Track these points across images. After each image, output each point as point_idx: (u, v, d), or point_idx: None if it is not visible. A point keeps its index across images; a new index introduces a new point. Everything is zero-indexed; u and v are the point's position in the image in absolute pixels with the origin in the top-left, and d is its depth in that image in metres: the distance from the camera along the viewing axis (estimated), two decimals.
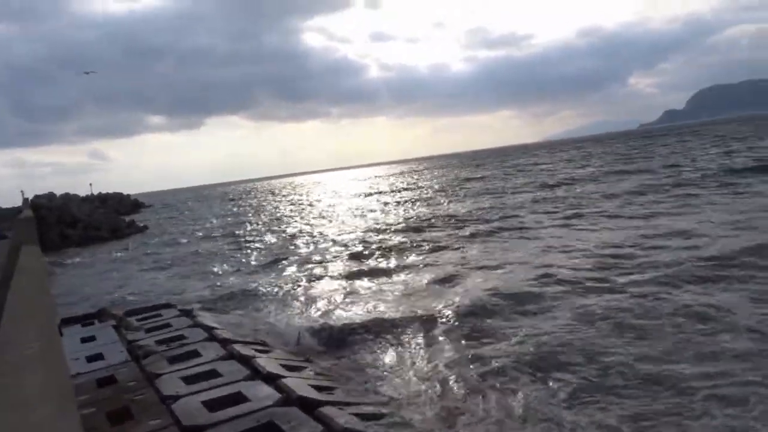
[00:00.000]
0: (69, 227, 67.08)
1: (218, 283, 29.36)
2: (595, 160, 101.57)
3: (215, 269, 34.62)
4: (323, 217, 61.68)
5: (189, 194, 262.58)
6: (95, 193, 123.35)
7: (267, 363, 13.79)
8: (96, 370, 13.69)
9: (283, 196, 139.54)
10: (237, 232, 57.58)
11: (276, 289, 25.48)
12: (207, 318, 19.12)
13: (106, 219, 75.70)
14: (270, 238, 48.13)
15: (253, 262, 35.34)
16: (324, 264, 30.50)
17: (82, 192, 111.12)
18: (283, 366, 14.03)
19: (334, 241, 39.76)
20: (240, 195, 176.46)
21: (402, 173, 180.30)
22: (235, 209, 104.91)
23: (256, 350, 15.47)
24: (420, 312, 18.48)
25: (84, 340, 16.74)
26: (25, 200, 69.28)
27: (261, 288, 26.15)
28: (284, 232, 51.98)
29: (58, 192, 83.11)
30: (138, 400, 11.56)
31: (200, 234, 61.45)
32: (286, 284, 26.28)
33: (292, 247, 39.98)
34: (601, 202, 42.85)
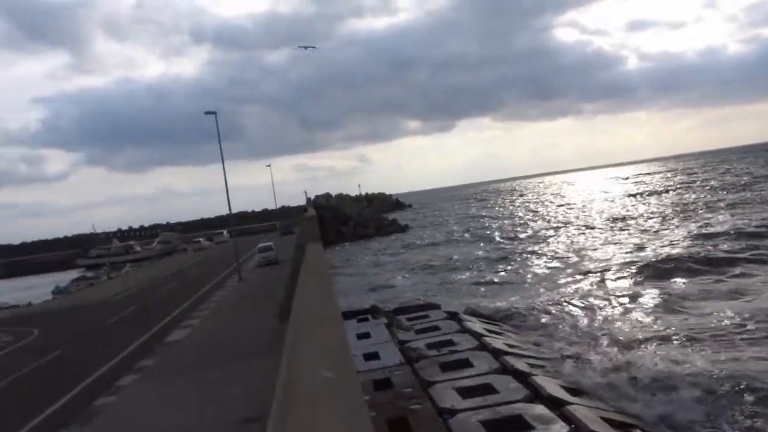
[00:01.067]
0: (342, 224, 74.15)
1: (480, 287, 28.74)
2: None
3: (471, 273, 34.22)
4: (590, 227, 57.44)
5: (443, 195, 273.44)
6: (363, 193, 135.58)
7: (547, 384, 12.33)
8: (373, 370, 13.77)
9: (540, 198, 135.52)
10: (493, 235, 56.91)
11: (551, 303, 23.60)
12: (475, 324, 18.36)
13: (372, 217, 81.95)
14: (536, 247, 46.29)
15: (512, 268, 34.09)
16: (609, 279, 27.10)
17: (352, 192, 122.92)
18: (566, 389, 12.42)
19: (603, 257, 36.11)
20: (488, 196, 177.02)
21: (669, 171, 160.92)
22: (484, 212, 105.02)
23: (530, 364, 14.12)
24: None
25: (360, 337, 17.29)
26: (308, 200, 78.63)
27: (533, 300, 24.62)
28: (548, 237, 49.64)
29: (333, 192, 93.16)
30: (415, 410, 11.09)
31: (457, 236, 62.32)
32: (565, 299, 24.11)
33: (569, 256, 37.55)
34: None
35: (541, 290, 25.73)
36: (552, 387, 12.23)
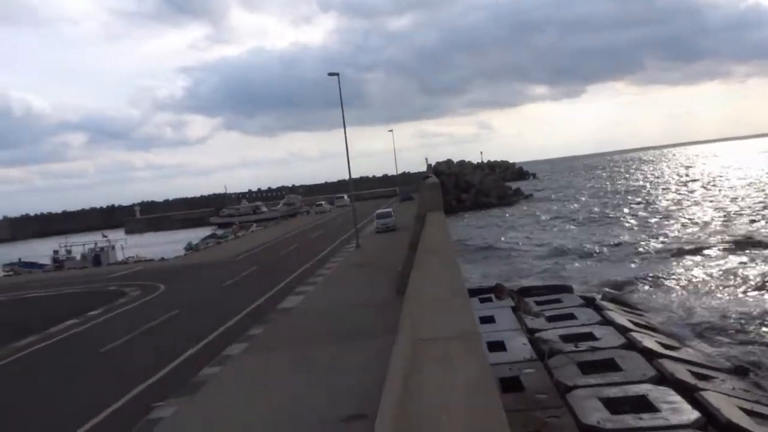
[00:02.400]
0: (463, 192, 71.77)
1: (616, 267, 25.63)
2: None
3: (609, 250, 30.88)
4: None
5: (570, 164, 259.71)
6: (485, 161, 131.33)
7: (723, 405, 9.77)
8: (499, 365, 11.87)
9: (678, 173, 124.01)
10: (623, 215, 52.02)
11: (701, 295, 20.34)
12: (617, 314, 15.74)
13: (495, 186, 78.65)
14: (670, 223, 41.50)
15: (653, 248, 30.30)
16: None
17: (474, 159, 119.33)
18: (749, 413, 9.79)
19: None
20: (623, 167, 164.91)
21: None
22: (622, 187, 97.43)
23: (696, 374, 11.50)
24: None
25: (483, 320, 15.39)
26: (429, 166, 77.02)
27: (677, 279, 21.40)
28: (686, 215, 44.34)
29: (455, 159, 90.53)
30: (552, 423, 9.08)
31: (586, 210, 57.84)
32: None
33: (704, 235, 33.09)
34: None
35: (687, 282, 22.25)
36: (730, 409, 9.66)
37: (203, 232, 77.61)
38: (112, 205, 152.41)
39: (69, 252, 48.96)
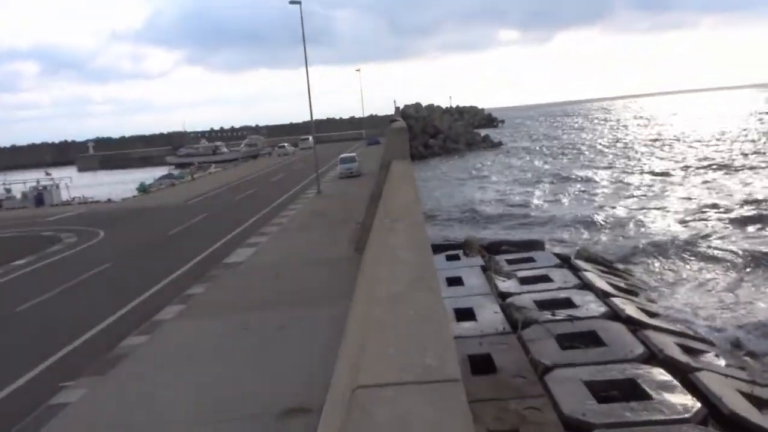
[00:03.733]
0: (432, 138, 69.77)
1: (592, 218, 24.43)
2: None
3: (584, 203, 29.71)
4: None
5: (537, 112, 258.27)
6: (453, 105, 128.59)
7: (724, 390, 8.49)
8: (468, 338, 10.38)
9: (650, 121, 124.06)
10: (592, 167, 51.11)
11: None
12: (595, 276, 14.40)
13: (464, 132, 76.85)
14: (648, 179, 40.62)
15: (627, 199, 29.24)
16: None
17: (443, 104, 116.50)
18: (749, 396, 8.55)
19: None
20: (597, 116, 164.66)
21: None
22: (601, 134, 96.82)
23: (686, 348, 10.24)
24: None
25: (450, 282, 13.87)
26: (397, 109, 74.42)
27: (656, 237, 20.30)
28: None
29: (423, 103, 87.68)
30: (530, 419, 7.64)
31: (558, 159, 56.78)
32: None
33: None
34: None
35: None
36: (731, 397, 8.40)
37: (160, 171, 74.15)
38: (66, 141, 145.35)
39: (9, 191, 45.61)
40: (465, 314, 11.61)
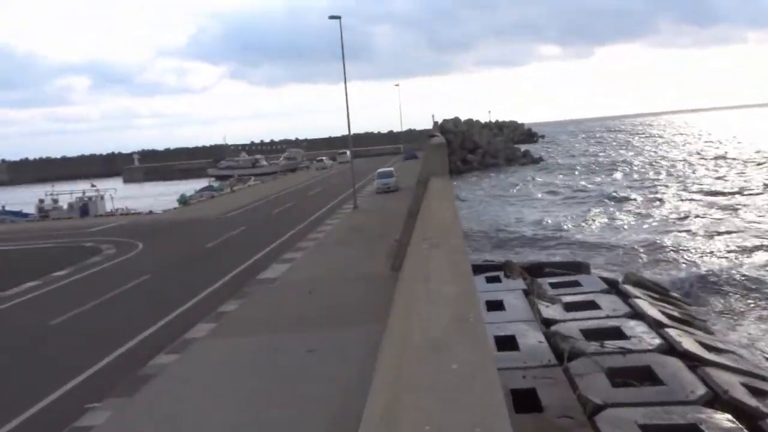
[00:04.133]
0: (470, 153, 68.98)
1: (632, 240, 23.37)
2: None
3: (625, 221, 28.56)
4: None
5: (577, 127, 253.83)
6: (493, 120, 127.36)
7: None
8: (510, 370, 9.71)
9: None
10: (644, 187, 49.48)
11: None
12: (647, 304, 13.50)
13: (504, 147, 75.79)
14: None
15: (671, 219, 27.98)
16: None
17: (482, 118, 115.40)
18: None
19: None
20: (640, 130, 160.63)
21: None
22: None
23: (755, 391, 9.35)
24: None
25: (490, 306, 13.21)
26: (435, 123, 73.88)
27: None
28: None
29: (462, 117, 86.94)
30: None
31: (602, 177, 55.22)
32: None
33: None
34: None
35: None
36: None
37: (201, 183, 75.31)
38: (113, 153, 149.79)
39: (56, 201, 46.78)
40: (507, 342, 10.96)
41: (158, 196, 64.21)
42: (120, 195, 53.91)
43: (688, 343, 10.97)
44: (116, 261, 21.84)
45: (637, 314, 12.55)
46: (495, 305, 13.32)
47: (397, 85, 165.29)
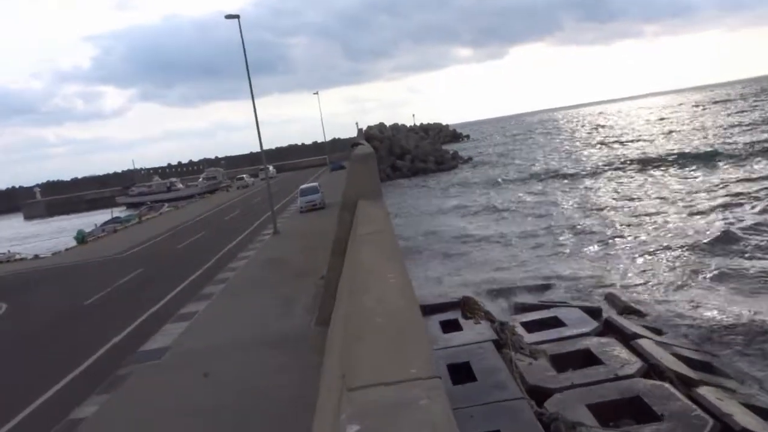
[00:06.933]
0: (399, 158, 65.87)
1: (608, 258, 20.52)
2: None
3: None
4: None
5: (499, 125, 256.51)
6: (417, 123, 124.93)
7: None
8: None
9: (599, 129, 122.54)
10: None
11: None
12: (663, 352, 10.19)
13: (432, 150, 73.21)
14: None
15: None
16: None
17: (406, 123, 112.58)
18: None
19: None
20: (556, 127, 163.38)
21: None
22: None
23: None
24: None
25: (455, 374, 9.52)
26: (360, 131, 70.44)
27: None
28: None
29: (387, 123, 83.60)
30: None
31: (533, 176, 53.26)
32: None
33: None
34: None
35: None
36: None
37: (109, 215, 68.47)
38: (13, 187, 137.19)
39: None
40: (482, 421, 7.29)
41: (58, 234, 57.27)
42: (10, 235, 47.19)
43: (741, 417, 7.68)
44: None
45: (654, 369, 9.21)
46: (461, 371, 9.62)
47: (315, 93, 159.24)
